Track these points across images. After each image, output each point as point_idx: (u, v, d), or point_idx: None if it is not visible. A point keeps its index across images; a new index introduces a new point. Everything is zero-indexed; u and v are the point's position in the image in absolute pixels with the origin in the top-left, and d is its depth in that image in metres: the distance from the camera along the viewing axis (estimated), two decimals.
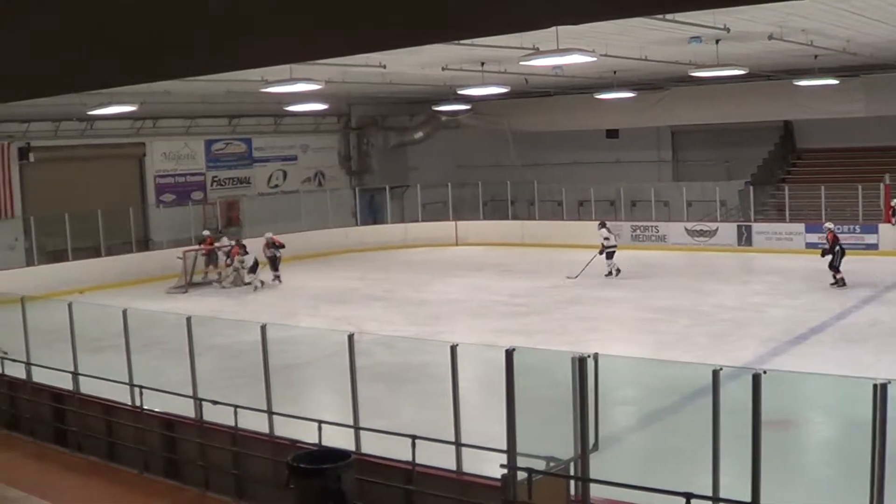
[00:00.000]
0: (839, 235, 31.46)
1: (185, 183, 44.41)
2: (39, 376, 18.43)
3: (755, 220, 40.90)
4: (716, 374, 9.89)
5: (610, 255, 34.26)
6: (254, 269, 35.65)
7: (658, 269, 35.51)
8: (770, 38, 25.20)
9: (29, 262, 36.90)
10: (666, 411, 17.62)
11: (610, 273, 34.02)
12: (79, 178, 39.41)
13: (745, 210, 41.68)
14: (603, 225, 35.13)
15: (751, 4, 8.21)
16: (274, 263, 36.88)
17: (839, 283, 30.03)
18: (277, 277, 36.55)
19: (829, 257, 30.48)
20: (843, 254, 30.44)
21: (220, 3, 3.38)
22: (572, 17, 2.89)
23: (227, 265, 36.88)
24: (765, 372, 9.57)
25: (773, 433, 11.00)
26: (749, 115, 41.46)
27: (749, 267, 36.06)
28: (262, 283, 35.56)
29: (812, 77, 34.14)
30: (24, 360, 18.62)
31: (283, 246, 37.23)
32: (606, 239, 34.41)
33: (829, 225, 31.73)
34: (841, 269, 30.15)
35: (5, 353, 20.04)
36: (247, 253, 36.22)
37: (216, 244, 38.09)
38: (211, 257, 37.91)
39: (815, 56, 30.15)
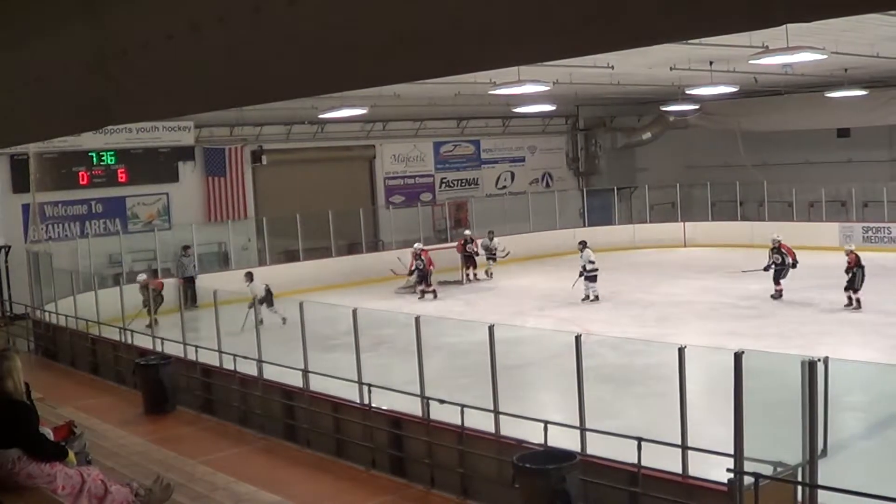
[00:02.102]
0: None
1: (414, 185, 45.11)
2: (270, 373, 18.85)
3: None
4: None
5: (593, 279, 32.09)
6: (266, 300, 27.94)
7: (892, 271, 34.33)
8: None
9: (261, 262, 37.91)
10: None
11: (587, 298, 31.95)
12: (310, 179, 40.43)
13: None
14: (585, 246, 32.89)
15: None
16: (420, 278, 35.60)
17: (855, 304, 28.45)
18: (423, 293, 35.26)
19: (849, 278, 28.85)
20: (864, 277, 28.70)
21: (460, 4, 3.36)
22: (808, 14, 2.77)
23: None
24: None
25: None
26: None
27: None
28: (284, 319, 26.49)
29: None
30: (256, 357, 19.06)
31: (429, 262, 35.59)
32: (591, 262, 32.16)
33: (849, 246, 29.96)
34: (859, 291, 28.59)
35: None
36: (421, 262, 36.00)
37: (468, 245, 38.52)
38: (468, 259, 38.50)
39: None
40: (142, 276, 30.35)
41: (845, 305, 28.46)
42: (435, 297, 34.83)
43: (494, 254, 38.64)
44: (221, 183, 38.46)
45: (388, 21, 3.58)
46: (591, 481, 12.39)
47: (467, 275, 38.19)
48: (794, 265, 29.90)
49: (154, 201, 37.12)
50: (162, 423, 18.87)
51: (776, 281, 30.15)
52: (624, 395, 19.73)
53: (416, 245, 36.32)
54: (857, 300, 28.40)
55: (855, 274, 28.62)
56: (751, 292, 30.96)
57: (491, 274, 38.24)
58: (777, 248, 30.36)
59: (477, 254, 38.32)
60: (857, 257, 28.92)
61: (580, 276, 32.10)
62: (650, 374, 20.22)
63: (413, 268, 35.53)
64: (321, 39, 3.87)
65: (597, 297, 31.75)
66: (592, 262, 32.04)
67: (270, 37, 4.05)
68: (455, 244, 39.09)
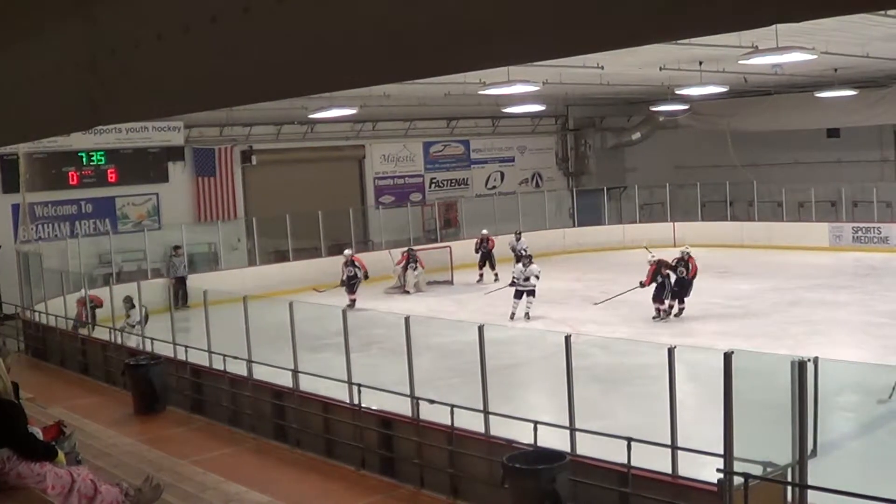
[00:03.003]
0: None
1: (403, 185, 45.10)
2: (260, 374, 18.83)
3: None
4: None
5: (531, 293, 29.88)
6: (140, 323, 25.13)
7: (882, 271, 34.40)
8: None
9: (251, 263, 37.95)
10: (888, 418, 17.11)
11: (515, 316, 29.57)
12: (299, 180, 40.35)
13: None
14: (531, 261, 30.52)
15: None
16: (350, 286, 33.76)
17: (661, 315, 28.56)
18: (353, 302, 32.67)
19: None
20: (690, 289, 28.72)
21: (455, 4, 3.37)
22: (798, 14, 2.77)
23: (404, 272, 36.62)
24: None
25: None
26: None
27: None
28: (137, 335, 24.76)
29: None
30: (246, 357, 19.04)
31: (363, 270, 34.21)
32: (536, 277, 29.92)
33: (686, 249, 29.66)
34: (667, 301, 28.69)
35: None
36: (416, 263, 36.14)
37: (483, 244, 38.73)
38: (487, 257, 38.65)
39: None
40: (81, 292, 28.16)
41: (675, 314, 28.64)
42: (351, 306, 31.57)
43: (522, 254, 38.00)
44: (211, 183, 38.45)
45: (382, 20, 3.58)
46: (581, 481, 12.39)
47: (480, 275, 38.21)
48: (681, 278, 28.96)
49: (144, 201, 37.09)
50: (152, 424, 18.84)
51: (678, 298, 28.98)
52: (614, 396, 19.72)
53: (346, 252, 34.90)
54: (678, 309, 28.67)
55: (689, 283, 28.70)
56: (740, 292, 31.01)
57: (497, 276, 37.73)
58: (678, 262, 29.29)
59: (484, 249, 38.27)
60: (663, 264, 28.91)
61: (510, 284, 30.78)
62: (640, 374, 20.18)
63: (344, 276, 33.86)
64: (314, 38, 3.87)
65: (526, 315, 29.52)
66: (537, 278, 30.00)
67: (262, 36, 4.05)
68: (445, 243, 39.10)
